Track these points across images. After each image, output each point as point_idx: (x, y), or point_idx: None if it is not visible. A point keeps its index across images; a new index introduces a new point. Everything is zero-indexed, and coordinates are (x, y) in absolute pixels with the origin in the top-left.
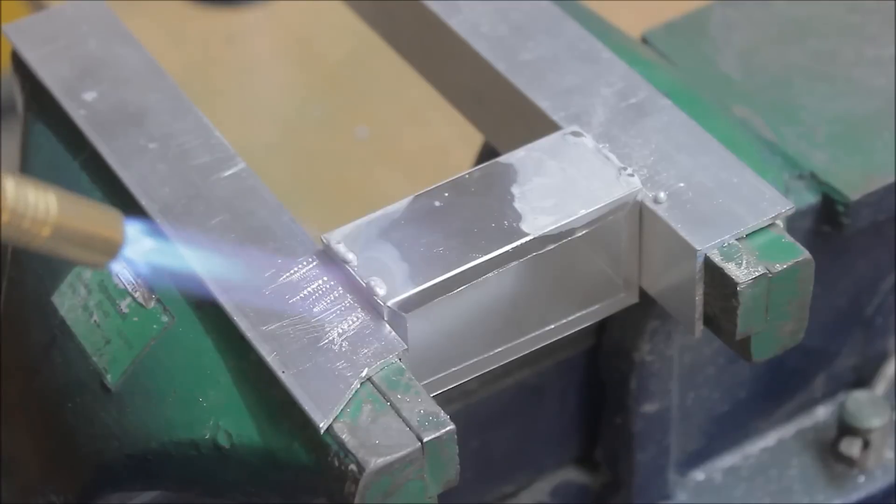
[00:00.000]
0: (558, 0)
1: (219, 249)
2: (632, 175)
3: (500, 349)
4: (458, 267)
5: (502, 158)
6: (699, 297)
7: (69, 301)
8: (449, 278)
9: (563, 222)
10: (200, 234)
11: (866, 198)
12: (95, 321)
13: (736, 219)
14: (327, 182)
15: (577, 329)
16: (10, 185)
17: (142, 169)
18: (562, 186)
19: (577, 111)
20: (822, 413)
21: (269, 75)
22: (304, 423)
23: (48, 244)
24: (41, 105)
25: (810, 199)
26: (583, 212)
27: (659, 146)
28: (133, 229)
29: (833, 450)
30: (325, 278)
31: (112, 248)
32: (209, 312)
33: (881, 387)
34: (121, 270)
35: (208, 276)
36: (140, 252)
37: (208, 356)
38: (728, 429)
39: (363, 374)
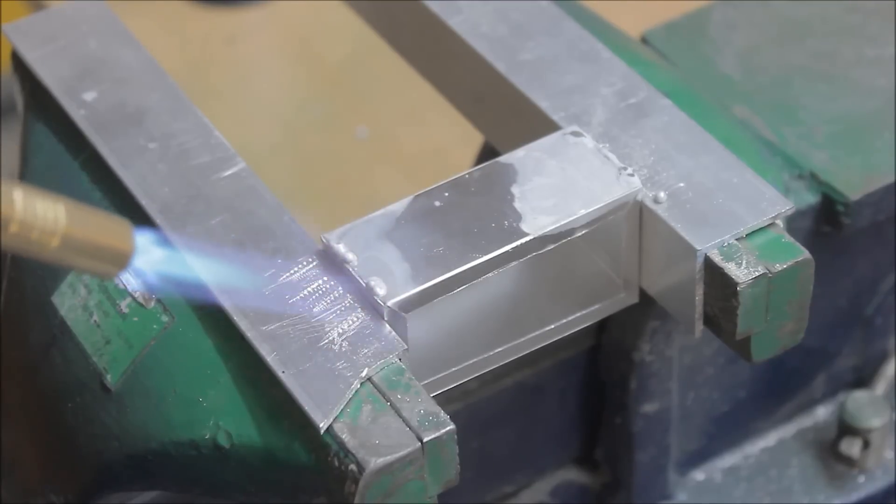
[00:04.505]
0: (558, 0)
1: (224, 255)
2: (632, 175)
3: (500, 349)
4: (458, 267)
5: (502, 158)
6: (699, 297)
7: (69, 301)
8: (449, 278)
9: (563, 222)
10: (204, 239)
11: (866, 198)
12: (95, 321)
13: (736, 219)
14: (327, 182)
15: (577, 329)
16: (19, 196)
17: (142, 169)
18: (562, 186)
19: (576, 111)
20: (822, 413)
21: (269, 75)
22: (304, 423)
23: (57, 254)
24: (41, 105)
25: (810, 199)
26: (583, 212)
27: (659, 146)
28: (143, 239)
29: (833, 450)
30: (325, 278)
31: (122, 259)
32: (209, 312)
33: (881, 387)
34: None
35: (214, 284)
36: (149, 262)
37: (208, 356)
38: (728, 429)
39: (363, 374)
